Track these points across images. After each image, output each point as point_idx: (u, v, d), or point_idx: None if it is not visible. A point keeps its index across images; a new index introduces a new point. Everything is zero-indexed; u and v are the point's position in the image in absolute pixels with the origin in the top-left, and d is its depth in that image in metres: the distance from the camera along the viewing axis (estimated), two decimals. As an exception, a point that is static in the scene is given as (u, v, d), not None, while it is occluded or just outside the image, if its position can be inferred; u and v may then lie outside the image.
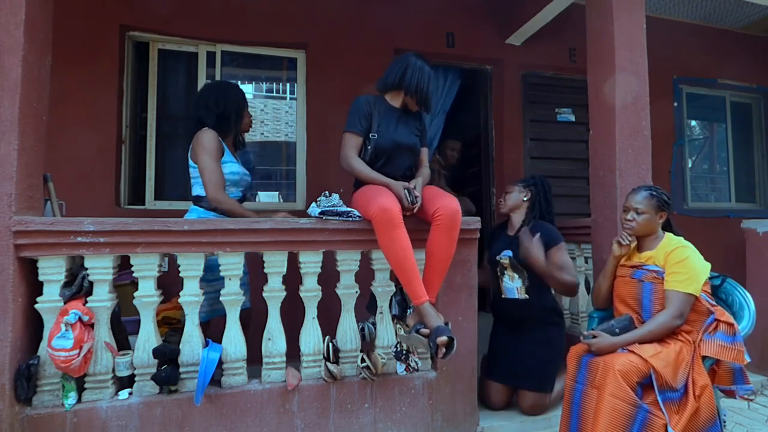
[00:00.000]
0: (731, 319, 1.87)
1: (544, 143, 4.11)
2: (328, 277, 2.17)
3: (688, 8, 4.35)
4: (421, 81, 2.19)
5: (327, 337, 2.13)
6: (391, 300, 2.21)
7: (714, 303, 1.94)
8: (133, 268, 1.91)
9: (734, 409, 2.60)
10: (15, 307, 1.75)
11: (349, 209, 2.09)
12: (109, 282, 1.89)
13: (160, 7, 3.24)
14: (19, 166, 1.75)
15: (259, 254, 2.07)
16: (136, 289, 1.93)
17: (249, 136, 3.41)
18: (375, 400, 2.12)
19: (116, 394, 1.88)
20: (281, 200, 3.88)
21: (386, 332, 2.20)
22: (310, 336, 2.10)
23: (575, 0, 3.29)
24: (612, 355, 1.81)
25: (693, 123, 5.11)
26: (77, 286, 1.84)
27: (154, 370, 1.89)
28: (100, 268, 1.86)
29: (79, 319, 1.75)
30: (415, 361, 2.17)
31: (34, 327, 1.83)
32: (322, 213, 2.07)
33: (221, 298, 2.01)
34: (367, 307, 2.31)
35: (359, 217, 2.06)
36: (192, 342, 1.95)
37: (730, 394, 1.90)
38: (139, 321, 1.94)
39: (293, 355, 2.12)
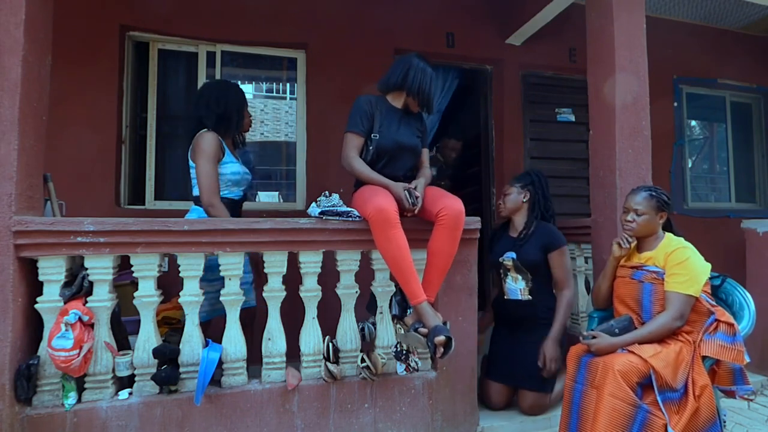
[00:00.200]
0: (731, 320, 1.87)
1: (544, 143, 4.10)
2: (328, 277, 2.17)
3: (688, 8, 4.35)
4: (423, 82, 2.19)
5: (327, 337, 2.13)
6: (391, 300, 2.21)
7: (714, 303, 1.93)
8: (133, 268, 1.91)
9: (734, 409, 2.60)
10: (15, 307, 1.75)
11: (349, 209, 2.09)
12: (109, 282, 1.89)
13: (160, 7, 3.24)
14: (19, 166, 1.75)
15: (260, 254, 2.07)
16: (136, 289, 1.93)
17: (249, 136, 3.41)
18: (375, 400, 2.12)
19: (116, 394, 1.88)
20: (281, 200, 3.88)
21: (386, 332, 2.20)
22: (310, 336, 2.10)
23: (575, 0, 3.28)
24: (612, 355, 1.81)
25: (693, 123, 5.11)
26: (77, 286, 1.84)
27: (154, 370, 1.89)
28: (100, 268, 1.86)
29: (79, 319, 1.75)
30: (415, 361, 2.17)
31: (34, 327, 1.83)
32: (322, 213, 2.07)
33: (221, 298, 2.01)
34: (367, 307, 2.31)
35: (359, 217, 2.06)
36: (192, 342, 1.95)
37: (730, 394, 1.91)
38: (139, 321, 1.94)
39: (293, 355, 2.12)
